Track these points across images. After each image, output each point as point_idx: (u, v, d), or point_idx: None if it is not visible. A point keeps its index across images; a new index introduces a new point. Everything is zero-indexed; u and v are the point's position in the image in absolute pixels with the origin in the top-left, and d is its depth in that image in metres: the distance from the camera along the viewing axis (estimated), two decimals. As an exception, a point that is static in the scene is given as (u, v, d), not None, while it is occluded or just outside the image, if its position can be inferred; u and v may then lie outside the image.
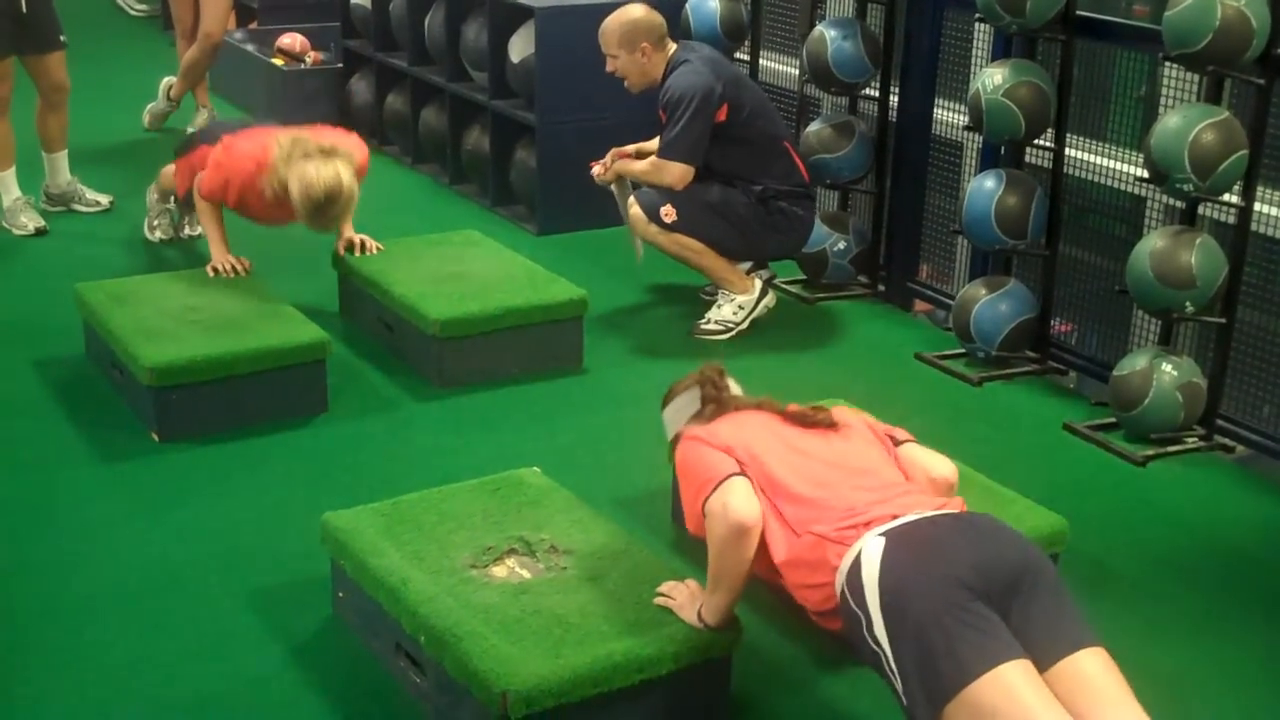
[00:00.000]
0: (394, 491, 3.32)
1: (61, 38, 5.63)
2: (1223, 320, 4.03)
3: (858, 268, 5.28)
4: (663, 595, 2.83)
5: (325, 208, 4.38)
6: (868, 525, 2.53)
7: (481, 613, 2.75)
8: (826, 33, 5.02)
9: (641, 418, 4.21)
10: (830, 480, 2.71)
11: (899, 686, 2.36)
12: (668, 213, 4.74)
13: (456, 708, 2.72)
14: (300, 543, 3.40)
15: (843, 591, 2.48)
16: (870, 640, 2.40)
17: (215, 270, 4.61)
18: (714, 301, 4.99)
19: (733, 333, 4.86)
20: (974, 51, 4.90)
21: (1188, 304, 3.93)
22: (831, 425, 2.89)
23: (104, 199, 5.96)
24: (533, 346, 4.51)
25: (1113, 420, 4.17)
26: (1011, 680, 2.26)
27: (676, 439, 3.02)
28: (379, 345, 4.69)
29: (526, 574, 2.93)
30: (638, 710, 2.71)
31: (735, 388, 3.11)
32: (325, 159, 4.40)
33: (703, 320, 4.92)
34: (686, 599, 2.80)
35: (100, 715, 2.88)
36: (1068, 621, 2.38)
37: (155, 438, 4.01)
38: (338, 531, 3.09)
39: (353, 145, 4.64)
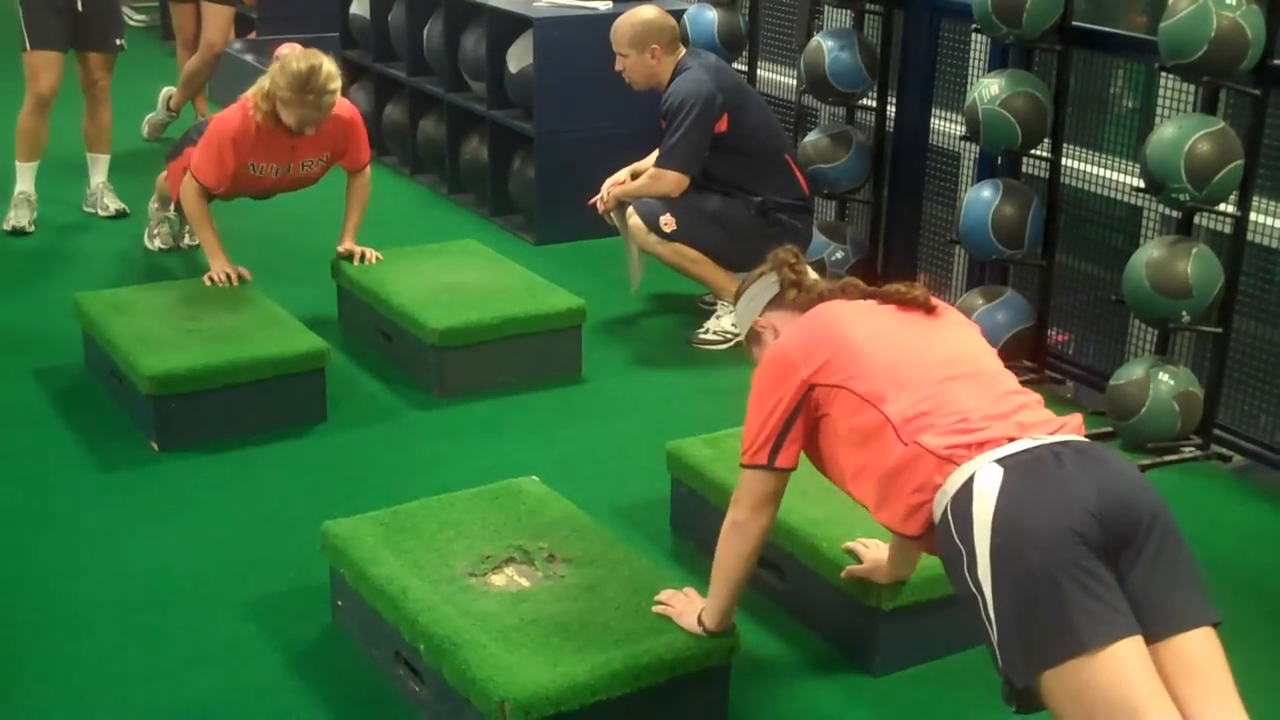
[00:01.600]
0: (393, 500, 3.33)
1: (119, 41, 5.75)
2: (1219, 330, 4.04)
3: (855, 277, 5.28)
4: (661, 603, 2.84)
5: (309, 79, 4.45)
6: (981, 447, 2.28)
7: (480, 621, 2.76)
8: (824, 43, 5.03)
9: (640, 427, 4.23)
10: (937, 377, 2.43)
11: (994, 637, 2.18)
12: (667, 222, 4.75)
13: (455, 716, 2.73)
14: (299, 551, 3.40)
15: (945, 517, 2.27)
16: (969, 580, 2.20)
17: (213, 280, 4.62)
18: (713, 311, 5.00)
19: (731, 342, 4.87)
20: (971, 62, 4.92)
21: (1184, 313, 3.95)
22: (930, 307, 2.61)
23: (115, 205, 5.99)
24: (531, 356, 4.52)
25: (1110, 430, 4.18)
26: (1123, 661, 2.09)
27: (753, 335, 2.82)
28: (378, 354, 4.70)
29: (525, 582, 2.93)
30: (636, 719, 2.71)
31: (813, 272, 2.83)
32: (303, 52, 4.57)
33: (701, 330, 4.93)
34: (685, 606, 2.80)
35: (100, 724, 2.89)
36: (1187, 593, 2.20)
37: (154, 447, 4.02)
38: (337, 540, 3.10)
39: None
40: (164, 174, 5.26)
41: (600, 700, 2.63)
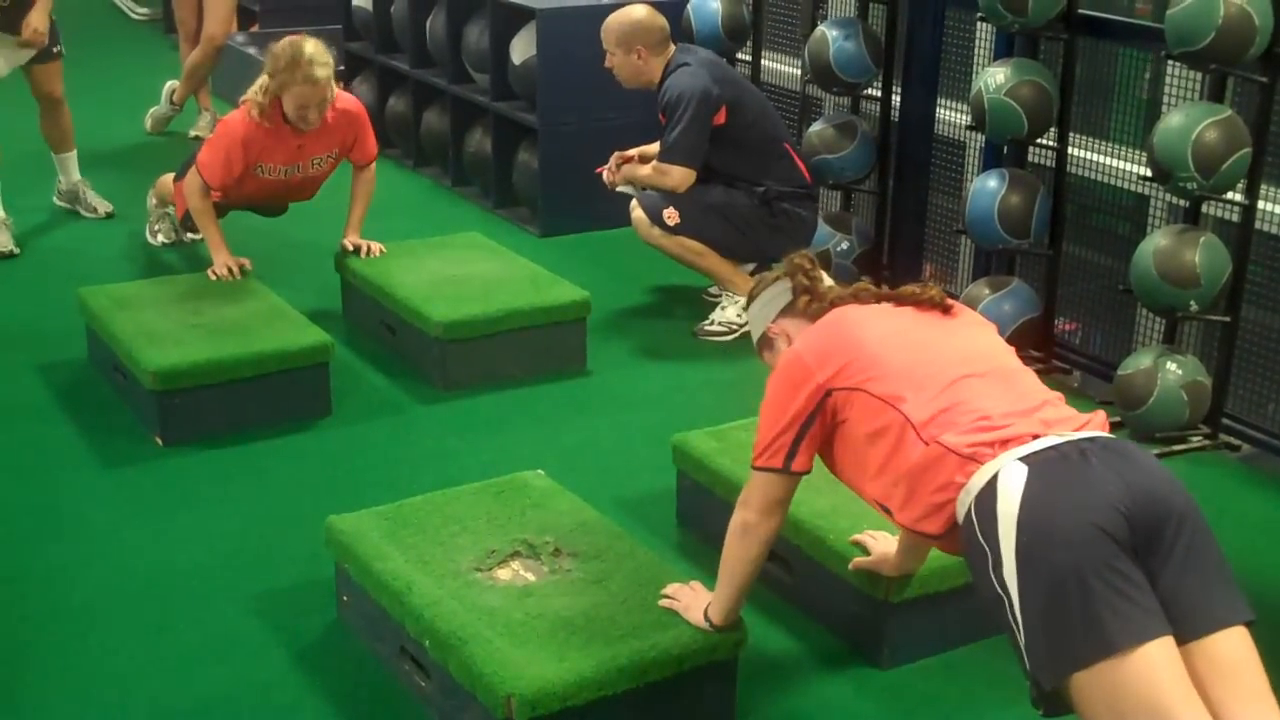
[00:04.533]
0: (398, 495, 3.32)
1: (55, 49, 5.57)
2: (1227, 318, 4.03)
3: (861, 268, 5.27)
4: (668, 597, 2.83)
5: (294, 56, 4.48)
6: (1004, 445, 2.24)
7: (486, 616, 2.75)
8: (828, 33, 5.01)
9: (645, 419, 4.22)
10: (957, 377, 2.40)
11: (1020, 639, 2.14)
12: (670, 215, 4.74)
13: (461, 711, 2.72)
14: (304, 546, 3.39)
15: (969, 517, 2.23)
16: (995, 581, 2.16)
17: (216, 275, 4.61)
18: (717, 303, 4.98)
19: (736, 334, 4.85)
20: (976, 51, 4.90)
21: (1192, 302, 3.93)
22: (946, 307, 2.58)
23: (104, 207, 5.94)
24: (536, 348, 4.51)
25: (1118, 419, 4.16)
26: (1155, 662, 2.06)
27: (765, 341, 2.78)
28: (382, 348, 4.68)
29: (531, 577, 2.92)
30: (643, 713, 2.70)
31: (827, 278, 2.77)
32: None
33: (706, 321, 4.92)
34: (691, 600, 2.79)
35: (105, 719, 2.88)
36: (1219, 591, 2.16)
37: (158, 442, 4.01)
38: (342, 535, 3.09)
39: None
40: (169, 179, 5.25)
41: (606, 695, 2.62)
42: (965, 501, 2.25)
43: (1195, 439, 4.08)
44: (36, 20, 5.37)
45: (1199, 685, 2.11)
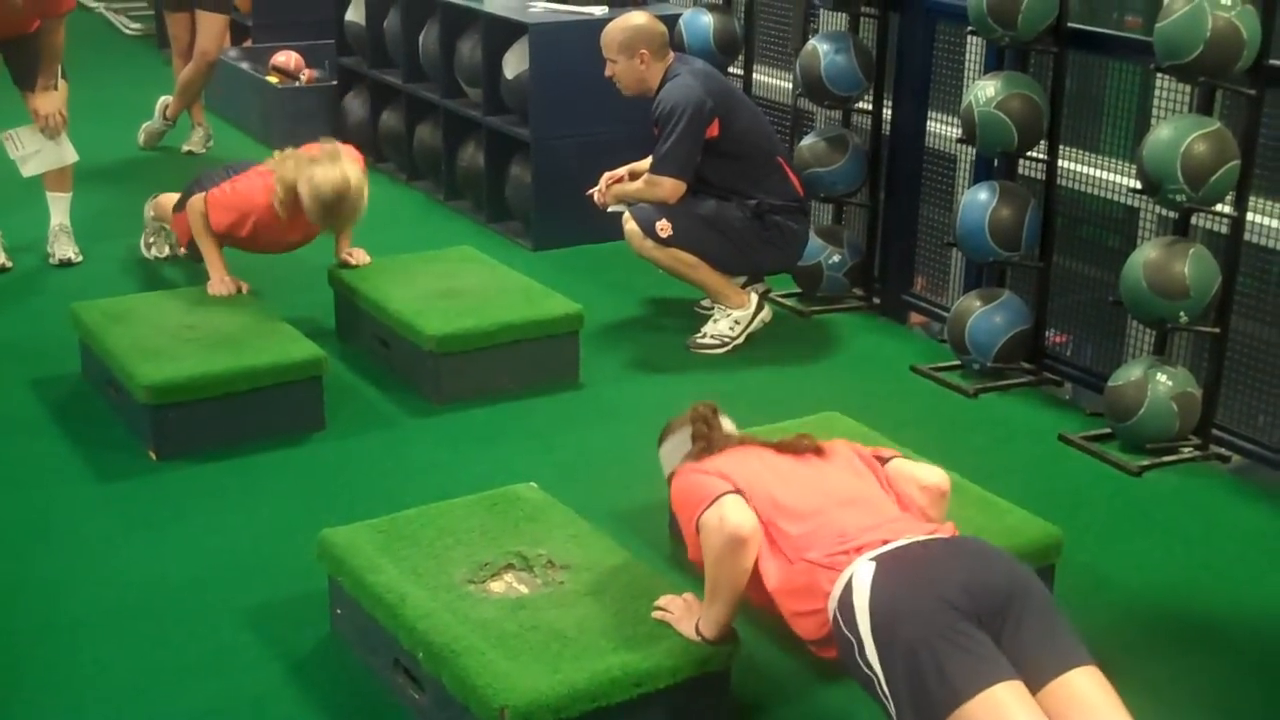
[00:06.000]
0: (391, 508, 3.32)
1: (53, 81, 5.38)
2: (1217, 330, 4.04)
3: (852, 281, 5.29)
4: (660, 609, 2.84)
5: (335, 206, 4.43)
6: (859, 550, 2.54)
7: (479, 628, 2.76)
8: (819, 46, 5.03)
9: (639, 432, 4.21)
10: (822, 507, 2.72)
11: (891, 710, 2.38)
12: (663, 228, 4.75)
13: (455, 723, 2.73)
14: (298, 559, 3.39)
15: (835, 616, 2.50)
16: (863, 664, 2.42)
17: (214, 292, 4.61)
18: (710, 316, 4.99)
19: (729, 347, 4.86)
20: (967, 64, 4.92)
21: (1182, 314, 3.94)
22: (818, 451, 2.92)
23: (62, 255, 5.57)
24: (529, 362, 4.52)
25: (1108, 431, 4.18)
26: (1002, 700, 2.27)
27: (672, 476, 3.02)
28: (375, 362, 4.69)
29: (524, 589, 2.93)
30: (636, 724, 2.71)
31: (729, 424, 3.12)
32: (331, 161, 4.47)
33: (699, 335, 4.93)
34: (684, 613, 2.81)
35: (99, 734, 2.88)
36: (1059, 640, 2.39)
37: (152, 456, 4.02)
38: (335, 548, 3.10)
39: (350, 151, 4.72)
40: (167, 198, 5.24)
41: (600, 707, 2.63)
42: (831, 606, 2.52)
43: (1186, 450, 4.10)
44: (42, 105, 5.32)
45: None
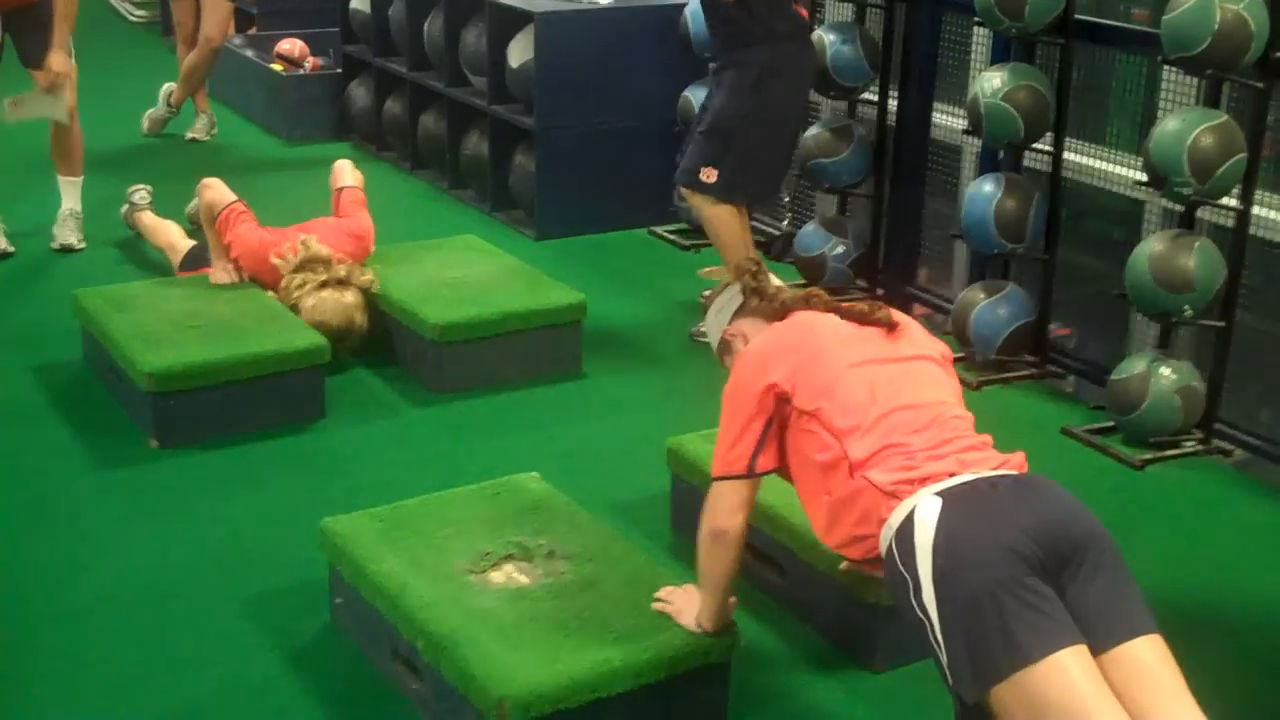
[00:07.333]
0: (392, 497, 3.32)
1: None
2: (1221, 324, 4.03)
3: (856, 272, 5.28)
4: (661, 600, 2.83)
5: (334, 343, 4.35)
6: (923, 481, 2.38)
7: (479, 618, 2.75)
8: (825, 36, 5.01)
9: (640, 422, 4.22)
10: (891, 408, 2.52)
11: (944, 659, 2.24)
12: (708, 174, 4.49)
13: (454, 713, 2.72)
14: (298, 548, 3.39)
15: (890, 550, 2.36)
16: (916, 606, 2.28)
17: (216, 280, 4.61)
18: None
19: (732, 337, 4.83)
20: (973, 55, 4.90)
21: (1186, 308, 3.93)
22: (891, 325, 2.68)
23: (64, 240, 5.60)
24: (531, 351, 4.51)
25: (1111, 424, 4.16)
26: (1068, 668, 2.14)
27: (724, 345, 2.88)
28: (378, 350, 4.68)
29: (524, 579, 2.92)
30: (636, 716, 2.70)
31: (775, 279, 2.91)
32: (340, 289, 4.47)
33: (702, 324, 4.90)
34: (685, 604, 2.79)
35: (97, 721, 2.88)
36: (1128, 603, 2.25)
37: (153, 443, 4.01)
38: (335, 537, 3.09)
39: (363, 229, 4.76)
40: (172, 235, 5.22)
41: (600, 697, 2.62)
42: (887, 536, 2.39)
43: (1188, 444, 4.08)
44: (56, 62, 5.23)
45: (1117, 691, 2.18)
